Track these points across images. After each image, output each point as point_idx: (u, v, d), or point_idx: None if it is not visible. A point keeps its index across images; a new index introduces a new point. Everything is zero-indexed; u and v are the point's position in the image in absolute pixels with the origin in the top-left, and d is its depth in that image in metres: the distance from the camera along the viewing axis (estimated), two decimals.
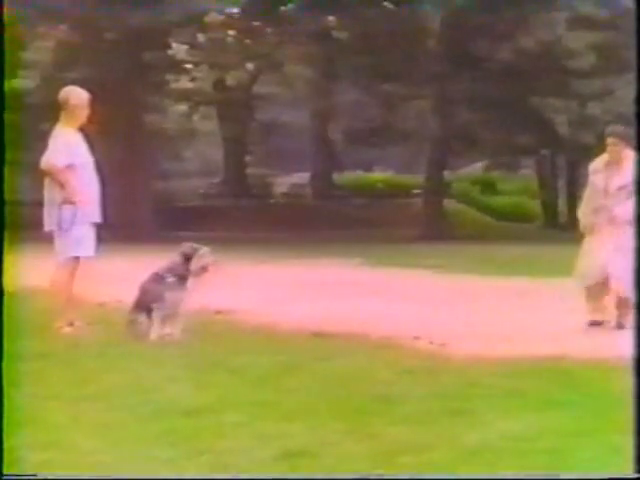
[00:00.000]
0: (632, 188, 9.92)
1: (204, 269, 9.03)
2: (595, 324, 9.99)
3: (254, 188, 41.75)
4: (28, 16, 24.86)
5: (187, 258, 9.04)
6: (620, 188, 10.12)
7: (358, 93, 32.51)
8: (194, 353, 8.19)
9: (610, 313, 10.09)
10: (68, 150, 9.23)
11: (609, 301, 10.13)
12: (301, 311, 11.17)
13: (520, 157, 39.30)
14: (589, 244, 10.34)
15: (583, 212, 10.71)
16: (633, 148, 10.10)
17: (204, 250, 9.11)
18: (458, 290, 14.26)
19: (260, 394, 6.64)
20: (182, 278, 8.99)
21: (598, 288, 10.10)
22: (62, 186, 9.16)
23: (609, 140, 10.36)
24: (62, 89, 9.60)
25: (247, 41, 31.87)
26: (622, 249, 9.59)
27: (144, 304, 9.00)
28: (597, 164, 10.64)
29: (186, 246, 9.17)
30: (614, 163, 10.35)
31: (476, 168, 41.96)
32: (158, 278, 9.04)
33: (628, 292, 9.48)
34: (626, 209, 9.91)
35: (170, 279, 8.98)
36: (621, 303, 9.92)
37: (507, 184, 43.09)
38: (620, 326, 9.79)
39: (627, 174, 10.13)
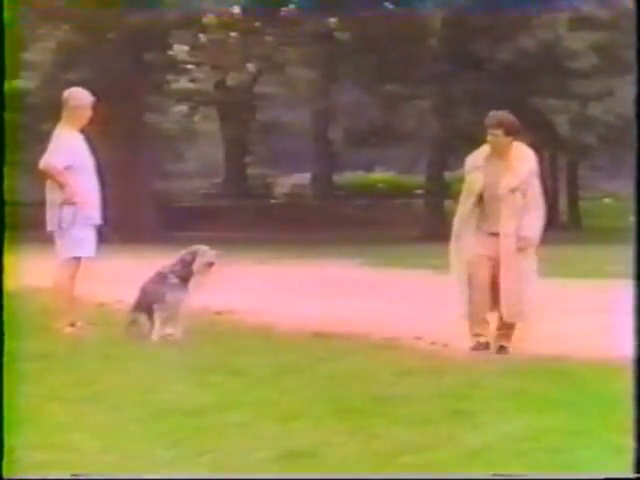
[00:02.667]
0: (535, 195, 8.62)
1: (210, 265, 9.03)
2: (479, 347, 8.48)
3: (255, 188, 41.81)
4: (28, 16, 24.88)
5: (189, 262, 9.03)
6: (513, 190, 8.48)
7: (359, 93, 32.56)
8: (195, 353, 8.20)
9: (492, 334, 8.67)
10: (68, 151, 9.23)
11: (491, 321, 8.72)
12: (302, 311, 11.17)
13: None
14: (474, 263, 8.54)
15: (460, 220, 8.76)
16: (520, 138, 8.74)
17: (204, 249, 9.11)
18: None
19: (261, 394, 6.64)
20: (184, 279, 8.99)
21: (483, 307, 8.62)
22: (61, 187, 9.17)
23: (490, 131, 8.61)
24: (66, 89, 9.60)
25: (248, 42, 31.87)
26: (515, 267, 8.49)
27: (145, 304, 9.00)
28: (475, 159, 8.76)
29: (185, 252, 9.15)
30: (498, 158, 8.59)
31: None
32: (160, 279, 9.04)
33: (514, 317, 8.55)
34: (536, 230, 8.67)
35: (172, 280, 8.98)
36: (504, 326, 8.62)
37: None
38: (502, 350, 8.53)
39: (519, 172, 8.54)
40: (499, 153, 8.59)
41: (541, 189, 8.80)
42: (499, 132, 8.53)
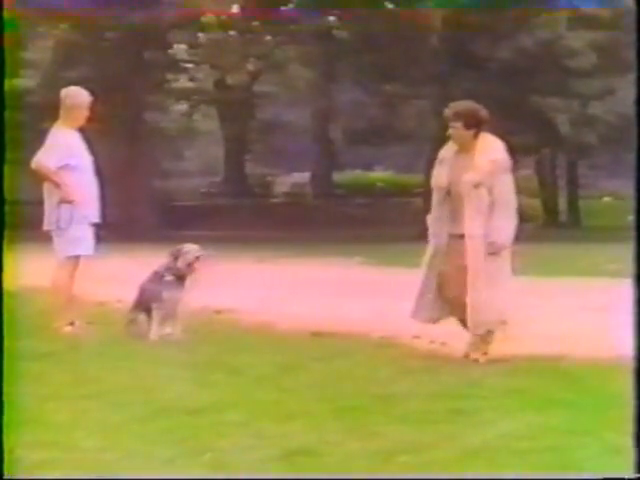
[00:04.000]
0: (504, 192, 7.70)
1: (190, 266, 9.02)
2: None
3: (254, 187, 41.84)
4: (28, 16, 24.86)
5: (175, 260, 9.05)
6: (476, 186, 7.64)
7: (358, 93, 32.56)
8: (194, 352, 8.20)
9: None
10: (63, 150, 9.20)
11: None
12: (301, 310, 11.16)
13: (520, 156, 39.36)
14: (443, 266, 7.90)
15: (431, 220, 8.10)
16: (487, 128, 7.94)
17: (188, 247, 9.10)
18: None
19: (260, 393, 6.64)
20: (179, 277, 9.00)
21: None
22: (57, 186, 9.15)
23: (449, 124, 7.89)
24: (64, 88, 9.59)
25: (247, 41, 31.88)
26: (483, 273, 7.66)
27: (143, 304, 9.01)
28: (444, 153, 8.06)
29: (172, 250, 9.15)
30: (464, 152, 7.84)
31: None
32: (156, 278, 9.06)
33: (481, 328, 7.79)
34: (506, 233, 7.70)
35: (168, 278, 8.99)
36: (475, 337, 7.91)
37: None
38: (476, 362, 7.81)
39: (481, 166, 7.70)
40: (463, 147, 7.85)
41: (513, 185, 7.87)
42: (458, 124, 7.83)
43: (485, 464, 4.95)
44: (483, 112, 7.93)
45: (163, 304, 8.91)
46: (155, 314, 8.92)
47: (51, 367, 7.51)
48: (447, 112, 7.94)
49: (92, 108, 9.46)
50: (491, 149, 7.81)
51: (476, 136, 7.84)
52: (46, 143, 9.33)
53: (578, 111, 29.09)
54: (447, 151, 8.03)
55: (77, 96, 9.43)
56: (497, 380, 7.03)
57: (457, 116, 7.84)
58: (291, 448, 5.22)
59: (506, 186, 7.80)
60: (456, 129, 7.85)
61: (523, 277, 15.26)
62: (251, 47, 32.02)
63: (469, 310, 7.75)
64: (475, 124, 7.84)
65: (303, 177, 42.79)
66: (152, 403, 6.30)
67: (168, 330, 8.93)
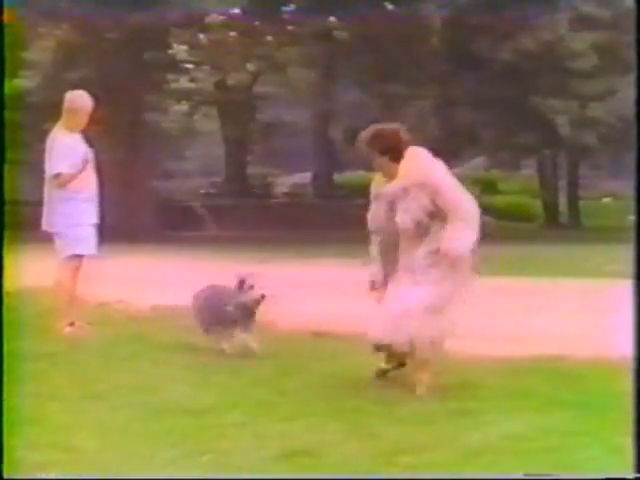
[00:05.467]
0: (409, 209, 6.77)
1: (257, 302, 8.33)
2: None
3: (255, 188, 41.81)
4: (28, 16, 24.88)
5: (240, 291, 8.35)
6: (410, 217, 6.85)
7: (359, 93, 32.56)
8: (194, 353, 8.19)
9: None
10: (67, 153, 9.20)
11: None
12: (301, 311, 11.16)
13: (521, 157, 39.40)
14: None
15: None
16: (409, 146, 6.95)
17: (252, 285, 8.38)
18: None
19: (260, 394, 6.65)
20: (247, 307, 8.34)
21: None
22: (63, 186, 9.15)
23: (373, 154, 7.02)
24: (68, 91, 9.55)
25: (248, 41, 31.89)
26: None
27: (220, 322, 8.38)
28: (375, 188, 7.17)
29: (240, 279, 8.39)
30: (389, 181, 6.95)
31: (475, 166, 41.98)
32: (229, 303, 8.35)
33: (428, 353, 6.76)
34: (455, 240, 6.64)
35: (239, 304, 8.31)
36: (418, 364, 6.82)
37: (508, 183, 43.12)
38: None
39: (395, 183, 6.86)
40: (390, 177, 6.95)
41: (422, 202, 6.82)
42: (376, 153, 6.97)
43: (486, 464, 4.96)
44: (394, 133, 7.04)
45: (237, 327, 8.29)
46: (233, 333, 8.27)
47: (52, 367, 7.52)
48: (358, 144, 7.11)
49: (93, 109, 9.45)
50: (403, 174, 6.88)
51: (397, 160, 6.89)
52: (54, 150, 9.25)
53: (579, 112, 29.09)
54: (377, 186, 7.13)
55: (81, 100, 9.40)
56: (498, 380, 7.04)
57: (369, 145, 7.01)
58: (291, 448, 5.23)
59: (414, 203, 6.83)
60: (376, 157, 7.00)
61: (523, 278, 15.33)
62: (252, 48, 32.03)
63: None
64: (389, 150, 6.92)
65: (304, 177, 42.77)
66: (153, 404, 6.30)
67: (250, 344, 8.28)
